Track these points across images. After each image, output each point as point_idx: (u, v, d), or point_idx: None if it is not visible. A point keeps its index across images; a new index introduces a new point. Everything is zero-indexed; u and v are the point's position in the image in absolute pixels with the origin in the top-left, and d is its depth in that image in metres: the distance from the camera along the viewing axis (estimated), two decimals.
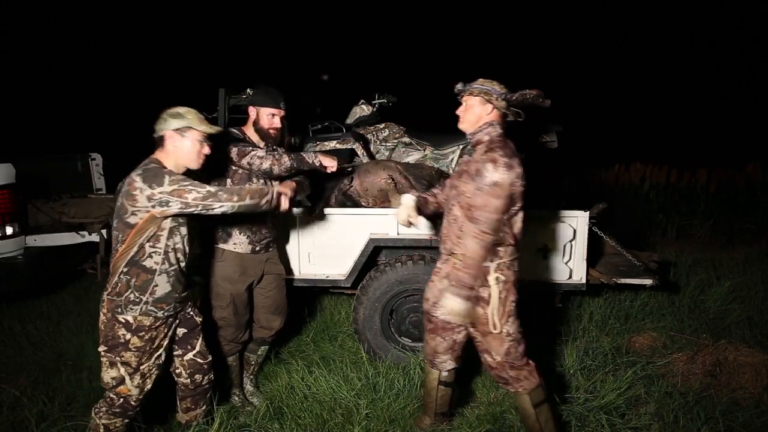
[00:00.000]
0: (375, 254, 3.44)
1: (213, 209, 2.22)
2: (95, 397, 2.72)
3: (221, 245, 2.81)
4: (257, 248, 2.87)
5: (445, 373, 2.52)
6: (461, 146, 3.79)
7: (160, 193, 2.13)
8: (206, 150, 2.30)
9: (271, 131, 2.78)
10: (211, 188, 2.22)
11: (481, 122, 2.30)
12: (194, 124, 2.24)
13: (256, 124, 2.80)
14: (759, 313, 3.97)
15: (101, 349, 2.23)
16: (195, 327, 2.46)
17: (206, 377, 2.48)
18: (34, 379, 3.23)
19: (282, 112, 2.79)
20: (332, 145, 3.80)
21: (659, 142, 10.76)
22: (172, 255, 2.26)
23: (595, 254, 3.72)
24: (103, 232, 4.15)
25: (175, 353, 2.43)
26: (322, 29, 14.04)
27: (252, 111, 2.82)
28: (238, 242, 2.82)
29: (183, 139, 2.24)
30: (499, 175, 2.12)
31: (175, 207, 2.16)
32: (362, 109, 4.02)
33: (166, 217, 2.20)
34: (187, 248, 2.33)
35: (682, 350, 3.44)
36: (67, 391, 3.09)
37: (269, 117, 2.76)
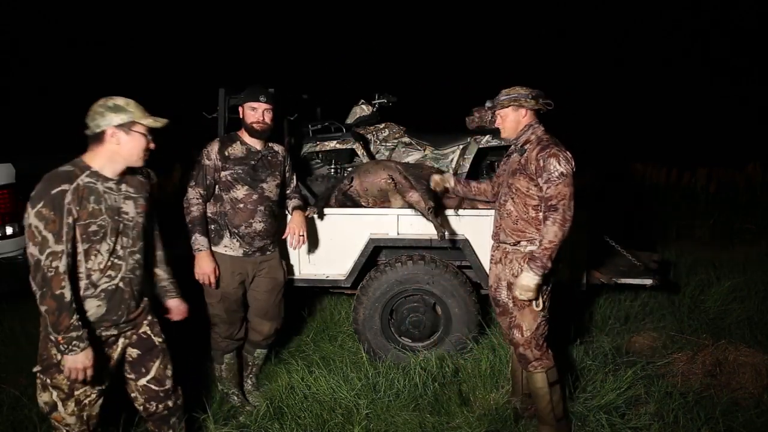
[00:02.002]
0: (375, 254, 3.44)
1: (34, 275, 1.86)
2: None
3: (212, 247, 2.81)
4: (250, 251, 2.87)
5: None
6: (461, 146, 3.79)
7: (27, 218, 1.84)
8: (151, 146, 2.06)
9: (255, 125, 2.77)
10: (53, 252, 1.82)
11: (521, 126, 2.56)
12: (138, 117, 1.99)
13: (243, 120, 2.82)
14: (759, 313, 3.97)
15: (36, 369, 2.01)
16: (151, 348, 2.20)
17: (162, 404, 2.24)
18: (34, 379, 3.23)
19: (264, 105, 2.77)
20: (332, 145, 3.80)
21: (659, 141, 10.76)
22: (97, 276, 1.99)
23: (595, 254, 3.72)
24: None
25: (128, 376, 2.19)
26: (322, 29, 14.04)
27: (240, 110, 2.84)
28: (229, 245, 2.83)
29: (128, 136, 1.97)
30: (563, 166, 2.37)
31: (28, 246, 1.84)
32: (362, 109, 4.02)
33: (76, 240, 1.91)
34: (124, 262, 2.05)
35: (682, 350, 3.44)
36: None
37: (250, 111, 2.76)
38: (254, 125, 2.77)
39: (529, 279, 2.40)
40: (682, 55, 13.42)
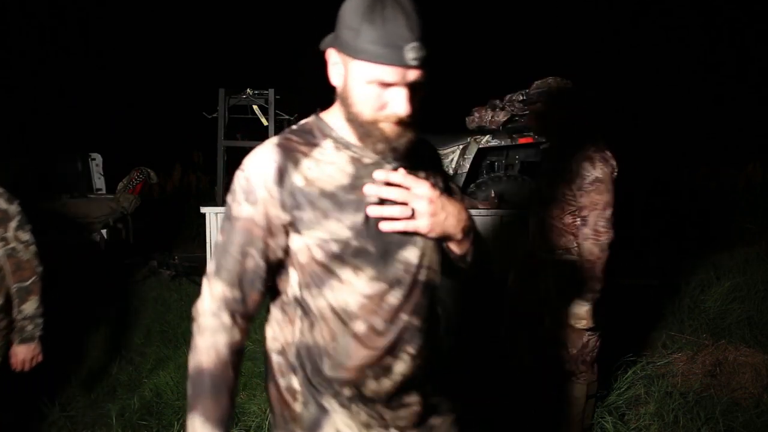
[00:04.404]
0: None
1: None
2: (95, 397, 2.72)
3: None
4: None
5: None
6: (461, 146, 3.79)
7: None
8: None
9: (382, 125, 0.97)
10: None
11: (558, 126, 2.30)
12: None
13: (344, 100, 1.02)
14: (759, 313, 3.96)
15: None
16: None
17: None
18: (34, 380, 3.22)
19: (411, 75, 0.93)
20: None
21: (659, 140, 10.77)
22: None
23: None
24: (103, 231, 4.15)
25: None
26: (322, 29, 14.04)
27: (334, 63, 1.05)
28: (339, 413, 1.09)
29: None
30: (598, 170, 2.10)
31: None
32: None
33: None
34: None
35: (682, 350, 3.44)
36: (67, 391, 3.09)
37: (370, 89, 0.96)
38: (381, 125, 0.98)
39: (577, 307, 2.18)
40: (682, 55, 13.44)
